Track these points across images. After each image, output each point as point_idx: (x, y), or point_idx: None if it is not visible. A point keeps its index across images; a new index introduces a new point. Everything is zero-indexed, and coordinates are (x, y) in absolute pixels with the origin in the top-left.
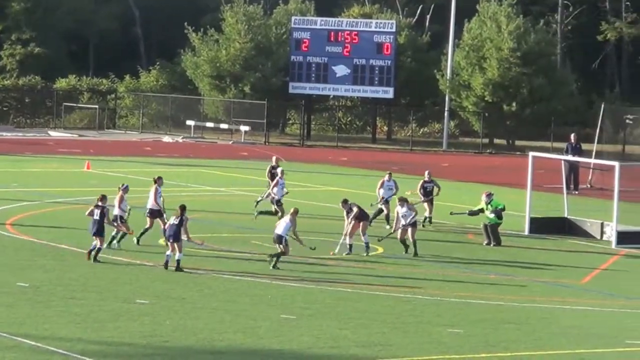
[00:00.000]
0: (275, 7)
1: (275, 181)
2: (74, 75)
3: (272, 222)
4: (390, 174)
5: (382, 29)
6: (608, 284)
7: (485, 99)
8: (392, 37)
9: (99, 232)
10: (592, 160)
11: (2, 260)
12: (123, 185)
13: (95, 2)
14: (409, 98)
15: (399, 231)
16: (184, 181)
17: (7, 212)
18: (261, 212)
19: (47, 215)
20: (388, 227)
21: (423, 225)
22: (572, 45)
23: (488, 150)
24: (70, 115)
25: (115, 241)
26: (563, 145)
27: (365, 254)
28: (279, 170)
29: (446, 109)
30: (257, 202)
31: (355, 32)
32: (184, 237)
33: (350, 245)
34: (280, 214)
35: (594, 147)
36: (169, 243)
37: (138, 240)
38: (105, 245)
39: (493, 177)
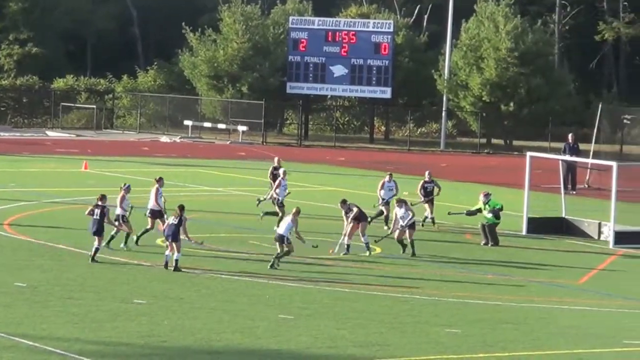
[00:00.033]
0: (272, 7)
1: (277, 182)
2: (72, 75)
3: (271, 222)
4: (390, 174)
5: (379, 29)
6: (606, 284)
7: (483, 99)
8: (389, 37)
9: (99, 232)
10: (590, 160)
11: (0, 260)
12: (125, 184)
13: (92, 2)
14: (407, 98)
15: (397, 231)
16: (181, 181)
17: (4, 212)
18: (267, 213)
19: (45, 215)
20: (386, 228)
21: (422, 225)
22: (569, 45)
23: (486, 150)
24: (67, 115)
25: (122, 244)
26: (561, 145)
27: (367, 254)
28: (281, 171)
29: (444, 109)
30: (259, 201)
31: (353, 32)
32: (183, 237)
33: (348, 246)
34: (280, 215)
35: (592, 147)
36: (167, 243)
37: (137, 240)
38: (103, 244)
39: (491, 177)
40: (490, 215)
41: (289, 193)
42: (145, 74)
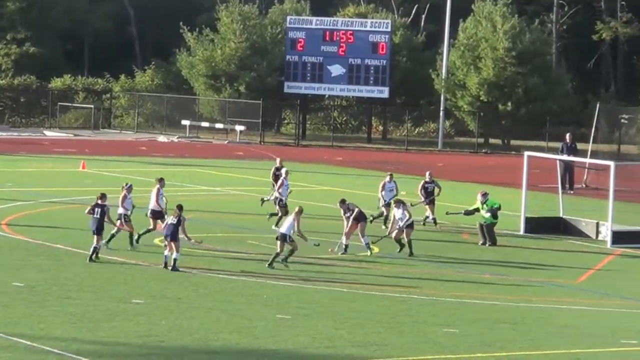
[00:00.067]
0: (270, 7)
1: (280, 182)
2: (69, 75)
3: (267, 222)
4: (391, 175)
5: (377, 29)
6: (603, 284)
7: (481, 98)
8: (387, 36)
9: (99, 231)
10: (588, 160)
11: None
12: (127, 184)
13: (90, 1)
14: (404, 98)
15: (395, 231)
16: (179, 181)
17: (2, 212)
18: (273, 214)
19: (42, 215)
20: (384, 227)
21: (423, 224)
22: (567, 44)
23: (483, 150)
24: (65, 114)
25: (129, 247)
26: (558, 144)
27: (368, 254)
28: (283, 171)
29: (441, 108)
30: (263, 201)
31: (351, 32)
32: (182, 236)
33: (346, 246)
34: (280, 215)
35: (589, 146)
36: (166, 243)
37: (138, 238)
38: (102, 242)
39: (488, 177)
40: (488, 215)
41: (290, 192)
42: (143, 74)
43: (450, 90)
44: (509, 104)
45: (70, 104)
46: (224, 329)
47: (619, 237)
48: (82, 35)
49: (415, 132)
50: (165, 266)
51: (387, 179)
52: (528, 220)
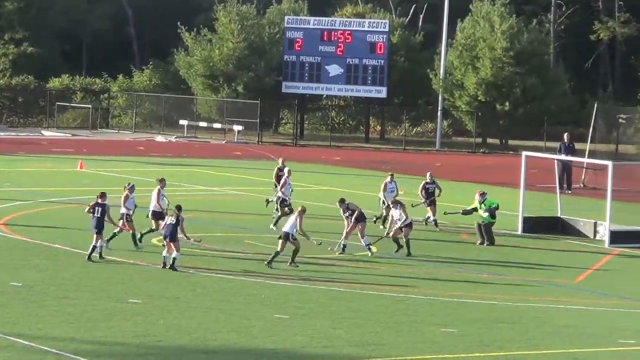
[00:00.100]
0: (268, 7)
1: (282, 181)
2: (67, 75)
3: (267, 221)
4: (392, 175)
5: (375, 29)
6: (601, 284)
7: (479, 98)
8: (385, 36)
9: (99, 230)
10: (585, 160)
11: None
12: (129, 184)
13: (88, 1)
14: (402, 97)
15: (393, 231)
16: (177, 181)
17: (0, 211)
18: (282, 215)
19: (41, 214)
20: (382, 227)
21: (425, 224)
22: (565, 44)
23: (481, 150)
24: (63, 114)
25: (134, 246)
26: (556, 144)
27: (368, 254)
28: (285, 170)
29: (439, 108)
30: (268, 202)
31: (349, 32)
32: (181, 236)
33: (344, 246)
34: (279, 213)
35: (587, 146)
36: (165, 243)
37: (141, 238)
38: (101, 242)
39: (486, 177)
40: (486, 215)
41: (292, 191)
42: (141, 74)
43: (448, 90)
44: (507, 103)
45: (68, 104)
46: (222, 328)
47: (616, 237)
48: (80, 35)
49: (413, 132)
50: (164, 266)
51: (388, 179)
52: (526, 220)
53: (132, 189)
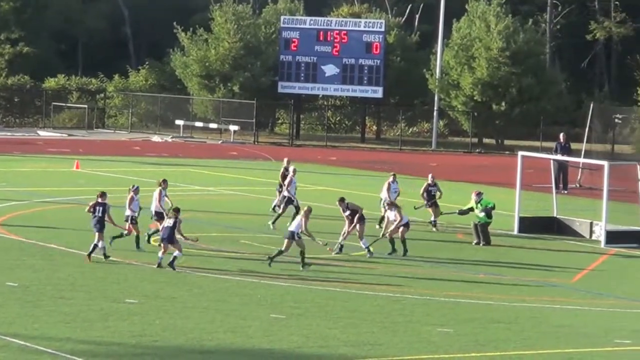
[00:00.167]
0: (264, 7)
1: (288, 180)
2: (63, 75)
3: (262, 221)
4: (394, 175)
5: (371, 29)
6: (597, 284)
7: (475, 98)
8: (381, 36)
9: (101, 229)
10: (581, 160)
11: None
12: (133, 186)
13: (84, 1)
14: (398, 97)
15: (389, 231)
16: (172, 181)
17: None
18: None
19: (36, 214)
20: (378, 227)
21: (434, 226)
22: (561, 44)
23: (477, 150)
24: (59, 114)
25: (135, 247)
26: (552, 144)
27: (367, 256)
28: (290, 169)
29: (435, 108)
30: (274, 208)
31: (345, 32)
32: (179, 237)
33: (342, 246)
34: (281, 212)
35: (583, 146)
36: (162, 244)
37: (149, 239)
38: (102, 244)
39: (482, 177)
40: (482, 215)
41: (295, 189)
42: (137, 74)
43: (444, 90)
44: (503, 103)
45: (64, 104)
46: (219, 328)
47: (612, 237)
48: (76, 35)
49: (409, 132)
50: (159, 266)
51: (391, 179)
52: (522, 220)
53: (136, 190)
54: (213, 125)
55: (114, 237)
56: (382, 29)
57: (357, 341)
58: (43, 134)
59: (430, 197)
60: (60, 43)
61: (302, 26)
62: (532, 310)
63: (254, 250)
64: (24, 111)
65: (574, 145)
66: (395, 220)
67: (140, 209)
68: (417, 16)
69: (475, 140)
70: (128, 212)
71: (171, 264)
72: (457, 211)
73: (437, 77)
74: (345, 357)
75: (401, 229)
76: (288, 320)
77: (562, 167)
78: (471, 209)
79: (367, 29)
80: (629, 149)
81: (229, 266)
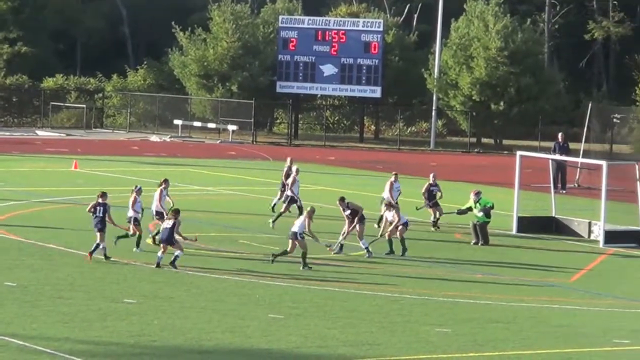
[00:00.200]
0: (262, 6)
1: (292, 180)
2: (62, 75)
3: (261, 221)
4: (396, 175)
5: (369, 28)
6: (596, 283)
7: (473, 98)
8: (379, 36)
9: (102, 229)
10: (580, 160)
11: None
12: (136, 187)
13: (82, 1)
14: (397, 97)
15: (388, 231)
16: (171, 180)
17: None
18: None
19: (35, 214)
20: (377, 226)
21: (438, 227)
22: (559, 44)
23: (476, 150)
24: (57, 114)
25: (135, 248)
26: (551, 144)
27: (366, 256)
28: (293, 168)
29: (434, 108)
30: (273, 206)
31: (343, 32)
32: (178, 237)
33: (342, 245)
34: (283, 211)
35: (582, 146)
36: (161, 245)
37: (154, 240)
38: (103, 245)
39: (481, 176)
40: (481, 214)
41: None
42: (135, 73)
43: (442, 89)
44: (502, 103)
45: (62, 104)
46: (217, 328)
47: (611, 237)
48: (75, 34)
49: (408, 131)
50: (158, 266)
51: (393, 178)
52: (520, 220)
53: (139, 191)
54: (211, 125)
55: (119, 237)
56: (381, 29)
57: (355, 341)
58: (41, 133)
59: (432, 197)
60: (59, 43)
61: (300, 26)
62: (530, 310)
63: (253, 250)
64: (22, 111)
65: (572, 145)
66: (393, 221)
67: (143, 210)
68: (416, 16)
69: (473, 140)
70: (131, 213)
71: (172, 263)
72: (456, 211)
73: (435, 76)
74: (344, 357)
75: (400, 228)
76: (286, 320)
77: (560, 166)
78: (470, 209)
79: (365, 28)
80: (627, 149)
81: (228, 266)
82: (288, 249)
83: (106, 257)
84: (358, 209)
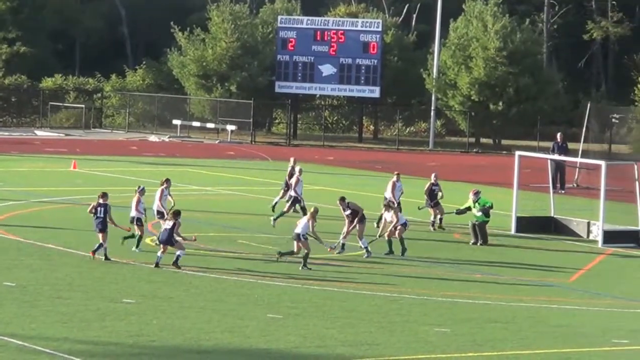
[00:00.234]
0: (261, 7)
1: (295, 180)
2: (60, 75)
3: (260, 221)
4: (398, 174)
5: (368, 28)
6: (595, 283)
7: (472, 98)
8: (378, 36)
9: (103, 229)
10: (579, 160)
11: None
12: (139, 187)
13: (81, 1)
14: (396, 97)
15: (388, 231)
16: (170, 180)
17: None
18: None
19: (34, 214)
20: (376, 227)
21: (442, 228)
22: (558, 44)
23: (474, 150)
24: (56, 114)
25: (134, 247)
26: (549, 144)
27: (365, 256)
28: (296, 169)
29: (432, 108)
30: (273, 206)
31: (342, 32)
32: (178, 238)
33: (343, 244)
34: (286, 211)
35: (580, 146)
36: (161, 245)
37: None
38: (105, 245)
39: (479, 176)
40: (479, 214)
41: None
42: (134, 73)
43: (441, 89)
44: (500, 103)
45: (61, 104)
46: (216, 328)
47: (610, 237)
48: (73, 34)
49: (407, 131)
50: (156, 266)
51: (395, 178)
52: (519, 220)
53: (142, 191)
54: (210, 125)
55: (125, 238)
56: (379, 29)
57: (354, 341)
58: (40, 133)
59: (433, 197)
60: (58, 43)
61: (299, 26)
62: (529, 310)
63: (252, 250)
64: (21, 111)
65: (571, 145)
66: (392, 221)
67: (145, 210)
68: (414, 16)
69: (472, 140)
70: (134, 214)
71: (175, 263)
72: (455, 211)
73: (434, 76)
74: (343, 357)
75: (398, 228)
76: (285, 320)
77: (559, 166)
78: (469, 209)
79: (364, 28)
80: (626, 149)
81: (227, 266)
82: (294, 250)
83: (106, 258)
84: (358, 209)
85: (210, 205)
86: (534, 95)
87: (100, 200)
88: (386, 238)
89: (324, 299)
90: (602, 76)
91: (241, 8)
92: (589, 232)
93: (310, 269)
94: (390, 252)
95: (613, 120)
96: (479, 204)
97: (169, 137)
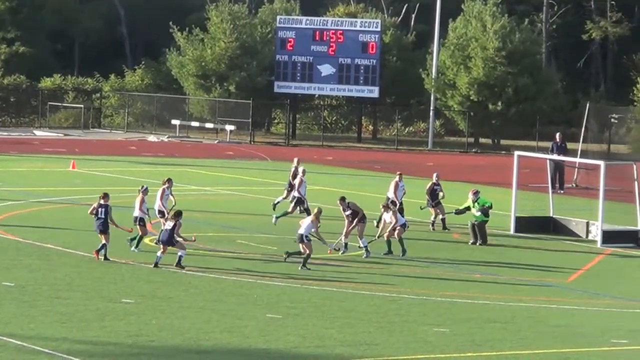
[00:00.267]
0: (260, 7)
1: (298, 181)
2: (59, 75)
3: (259, 221)
4: (401, 174)
5: (367, 28)
6: (594, 283)
7: (471, 98)
8: (377, 36)
9: (105, 230)
10: (578, 160)
11: None
12: (143, 187)
13: (80, 1)
14: (394, 97)
15: (387, 232)
16: None
17: None
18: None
19: (33, 214)
20: (376, 227)
21: (444, 227)
22: (557, 44)
23: (473, 150)
24: (55, 114)
25: (133, 247)
26: (548, 144)
27: (364, 255)
28: (300, 169)
29: (431, 108)
30: (275, 205)
31: (341, 32)
32: (178, 239)
33: (346, 244)
34: (290, 211)
35: (579, 146)
36: (161, 246)
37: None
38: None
39: (478, 176)
40: (479, 214)
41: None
42: (133, 73)
43: (440, 89)
44: (499, 103)
45: (60, 104)
46: (215, 328)
47: (609, 237)
48: (72, 34)
49: (406, 131)
50: (156, 266)
51: (397, 178)
52: (518, 220)
53: (145, 191)
54: (209, 125)
55: (132, 239)
56: (378, 29)
57: (353, 341)
58: (39, 133)
59: (435, 197)
60: (57, 43)
61: (298, 26)
62: (528, 310)
63: (251, 250)
64: (20, 111)
65: (570, 145)
66: (391, 222)
67: (148, 210)
68: (413, 16)
69: (471, 140)
70: (137, 214)
71: (178, 264)
72: (454, 211)
73: (433, 76)
74: (342, 357)
75: (398, 229)
76: (284, 320)
77: (558, 166)
78: (468, 208)
79: (363, 28)
80: (625, 149)
81: (226, 266)
82: (301, 251)
83: (105, 258)
84: (358, 210)
85: (209, 205)
86: (533, 95)
87: (101, 201)
88: (385, 239)
89: (323, 299)
90: (601, 76)
91: (240, 8)
92: (588, 232)
93: (309, 269)
94: (389, 252)
95: (612, 120)
96: (478, 204)
97: (167, 137)
